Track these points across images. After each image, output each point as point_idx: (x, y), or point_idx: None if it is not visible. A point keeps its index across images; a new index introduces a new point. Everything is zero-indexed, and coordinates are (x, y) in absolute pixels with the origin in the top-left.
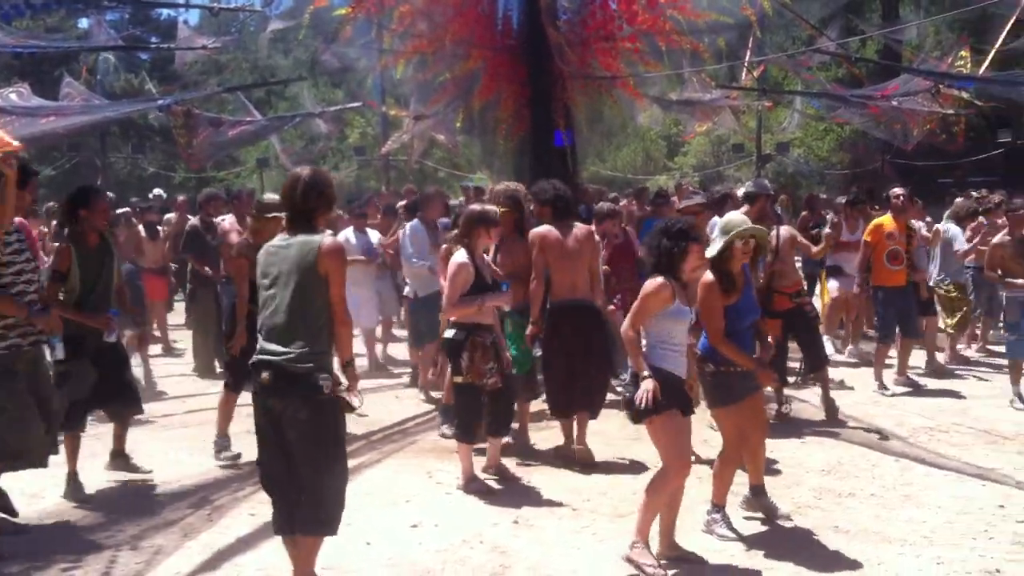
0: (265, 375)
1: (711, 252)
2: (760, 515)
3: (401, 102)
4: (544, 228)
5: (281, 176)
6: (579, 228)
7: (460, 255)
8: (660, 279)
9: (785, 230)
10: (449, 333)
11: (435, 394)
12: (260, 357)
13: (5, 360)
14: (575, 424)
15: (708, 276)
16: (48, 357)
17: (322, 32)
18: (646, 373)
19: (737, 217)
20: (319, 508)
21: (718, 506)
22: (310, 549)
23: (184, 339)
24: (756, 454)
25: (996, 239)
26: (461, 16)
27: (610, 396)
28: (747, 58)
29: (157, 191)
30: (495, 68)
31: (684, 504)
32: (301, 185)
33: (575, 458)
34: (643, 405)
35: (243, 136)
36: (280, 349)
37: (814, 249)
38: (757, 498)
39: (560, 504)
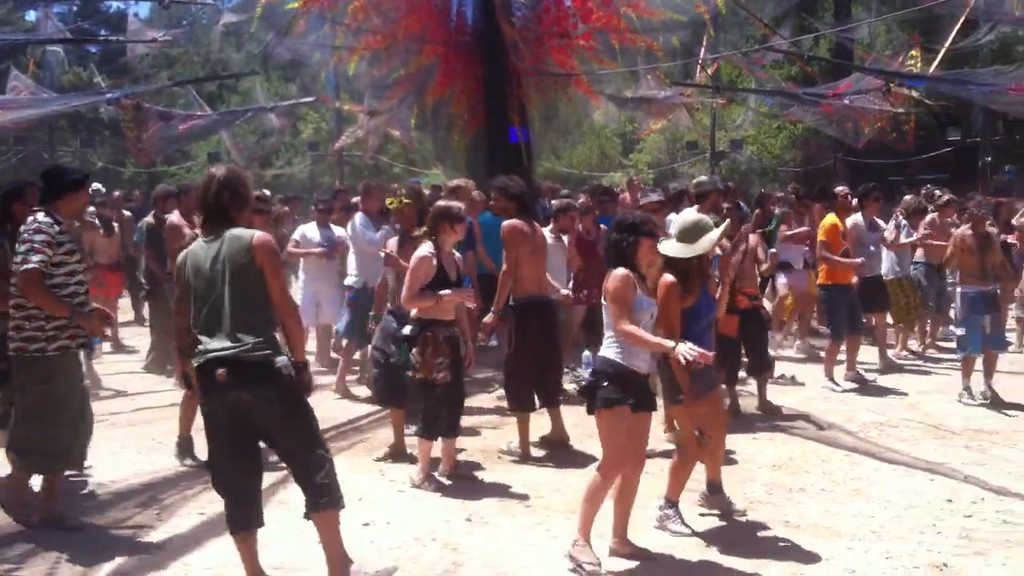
0: (220, 372)
1: (681, 253)
2: (716, 511)
3: (355, 97)
4: (516, 221)
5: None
6: (537, 225)
7: (425, 248)
8: (621, 270)
9: (754, 237)
10: (406, 329)
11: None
12: (209, 356)
13: (56, 361)
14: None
15: (668, 277)
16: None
17: (274, 26)
18: (672, 344)
19: (704, 218)
20: (322, 477)
21: (671, 502)
22: (334, 527)
23: (133, 336)
24: (715, 451)
25: (958, 231)
26: (414, 11)
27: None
28: (701, 56)
29: (96, 186)
30: (449, 64)
31: (636, 500)
32: (215, 184)
33: (561, 442)
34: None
35: (194, 130)
36: (229, 344)
37: (763, 267)
38: (714, 495)
39: (514, 501)
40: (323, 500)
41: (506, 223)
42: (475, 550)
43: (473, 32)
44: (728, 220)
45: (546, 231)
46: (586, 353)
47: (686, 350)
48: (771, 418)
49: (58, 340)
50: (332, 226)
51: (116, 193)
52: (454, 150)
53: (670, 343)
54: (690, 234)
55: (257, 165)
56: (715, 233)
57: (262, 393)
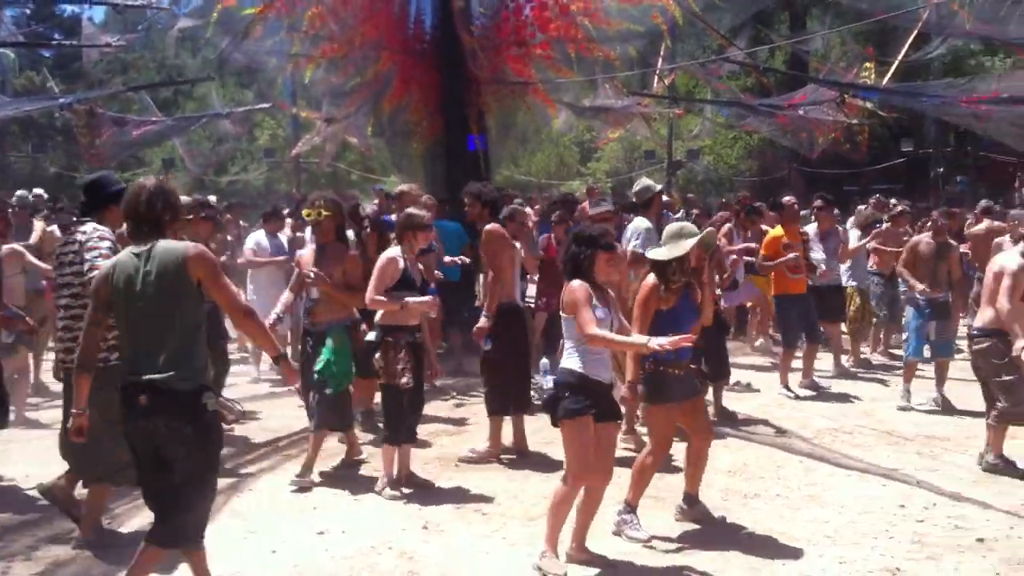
0: (143, 398)
1: (664, 255)
2: (694, 522)
3: (312, 104)
4: (497, 227)
5: (187, 178)
6: None
7: (395, 250)
8: (577, 282)
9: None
10: (369, 335)
11: None
12: (134, 379)
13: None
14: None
15: (651, 278)
16: None
17: (230, 31)
18: (645, 340)
19: (688, 224)
20: (191, 520)
21: (631, 506)
22: (157, 558)
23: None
24: (698, 459)
25: (917, 238)
26: (372, 19)
27: None
28: (659, 66)
29: (37, 191)
30: (406, 72)
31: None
32: (146, 193)
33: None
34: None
35: (148, 136)
36: (159, 368)
37: (724, 276)
38: (692, 507)
39: (470, 508)
40: (180, 538)
41: (490, 228)
42: (431, 558)
43: (431, 40)
44: (711, 227)
45: None
46: (544, 360)
47: (660, 341)
48: (727, 424)
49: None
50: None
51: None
52: (411, 157)
53: (644, 338)
54: (672, 239)
55: (212, 172)
56: (693, 239)
57: (178, 425)
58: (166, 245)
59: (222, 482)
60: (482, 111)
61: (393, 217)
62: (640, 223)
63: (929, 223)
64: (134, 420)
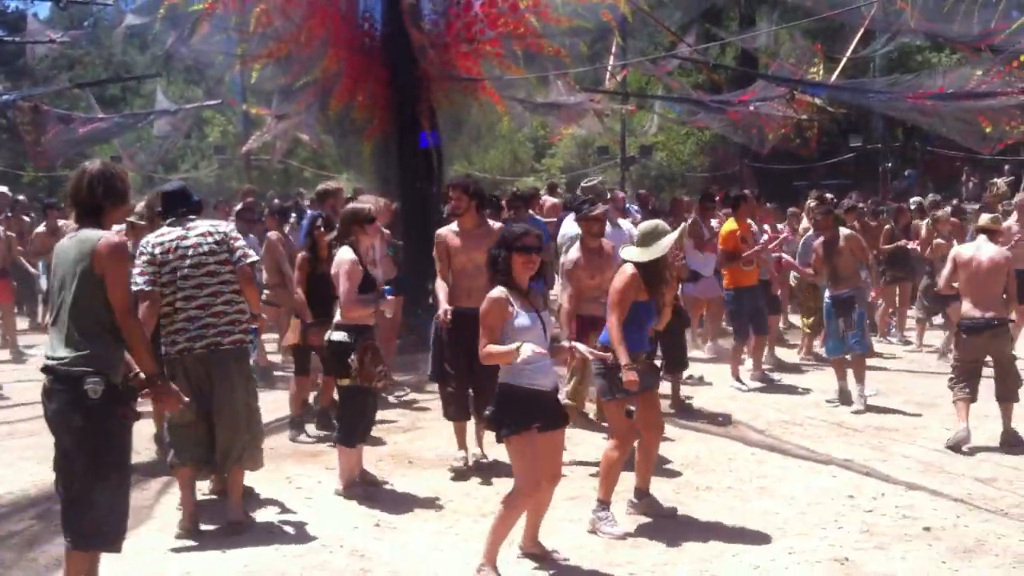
0: (46, 380)
1: (640, 257)
2: (645, 515)
3: (262, 100)
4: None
5: (134, 176)
6: None
7: (347, 252)
8: (496, 291)
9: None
10: (336, 336)
11: None
12: (44, 361)
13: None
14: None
15: (628, 268)
16: None
17: (177, 27)
18: (515, 347)
19: (661, 223)
20: (94, 520)
21: (604, 503)
22: (81, 564)
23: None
24: (649, 453)
25: (815, 242)
26: (317, 15)
27: None
28: (610, 63)
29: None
30: (354, 68)
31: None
32: (87, 177)
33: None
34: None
35: (95, 134)
36: (59, 353)
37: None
38: (642, 500)
39: (423, 506)
40: (84, 541)
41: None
42: (383, 556)
43: (380, 36)
44: (683, 226)
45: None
46: None
47: (526, 353)
48: (680, 417)
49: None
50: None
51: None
52: (361, 155)
53: (513, 345)
54: (647, 239)
55: (162, 169)
56: (670, 237)
57: (65, 411)
58: (86, 233)
59: (169, 480)
60: (433, 108)
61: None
62: (572, 228)
63: (813, 220)
64: (44, 404)
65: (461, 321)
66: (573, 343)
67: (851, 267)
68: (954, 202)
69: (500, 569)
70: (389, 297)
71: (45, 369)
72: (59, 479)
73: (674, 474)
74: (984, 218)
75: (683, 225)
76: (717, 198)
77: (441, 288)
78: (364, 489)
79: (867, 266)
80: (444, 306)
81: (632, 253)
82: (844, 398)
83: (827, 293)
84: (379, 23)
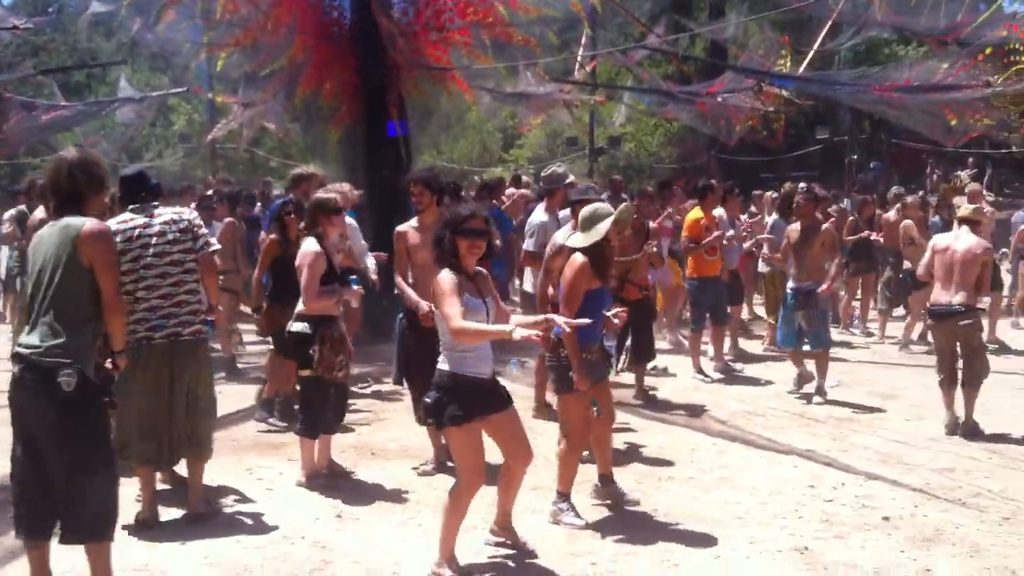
0: (15, 369)
1: (583, 242)
2: (608, 502)
3: (229, 88)
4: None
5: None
6: None
7: (312, 244)
8: (444, 273)
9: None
10: (296, 326)
11: None
12: (15, 350)
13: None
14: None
15: (579, 257)
16: None
17: (143, 14)
18: (510, 328)
19: (601, 207)
20: (84, 513)
21: (564, 495)
22: (94, 556)
23: None
24: (603, 443)
25: (789, 227)
26: (284, 2)
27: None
28: (580, 53)
29: None
30: (321, 56)
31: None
32: (66, 165)
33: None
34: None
35: (58, 121)
36: (33, 342)
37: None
38: (606, 486)
39: (385, 497)
40: (82, 534)
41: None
42: (344, 547)
43: (348, 24)
44: (624, 205)
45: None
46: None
47: (522, 331)
48: (645, 408)
49: None
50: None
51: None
52: (329, 143)
53: (508, 327)
54: (587, 224)
55: (127, 157)
56: (608, 221)
57: (38, 402)
58: (69, 220)
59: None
60: (402, 97)
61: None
62: (537, 216)
63: (796, 208)
64: (11, 392)
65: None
66: (549, 316)
67: (820, 261)
68: (919, 194)
69: (462, 558)
70: (354, 288)
71: (15, 357)
72: (30, 472)
73: (637, 465)
74: (965, 208)
75: (624, 206)
76: (674, 186)
77: (405, 285)
78: (327, 480)
79: (833, 262)
80: (422, 304)
81: (576, 240)
82: (803, 380)
83: (790, 283)
84: (347, 11)
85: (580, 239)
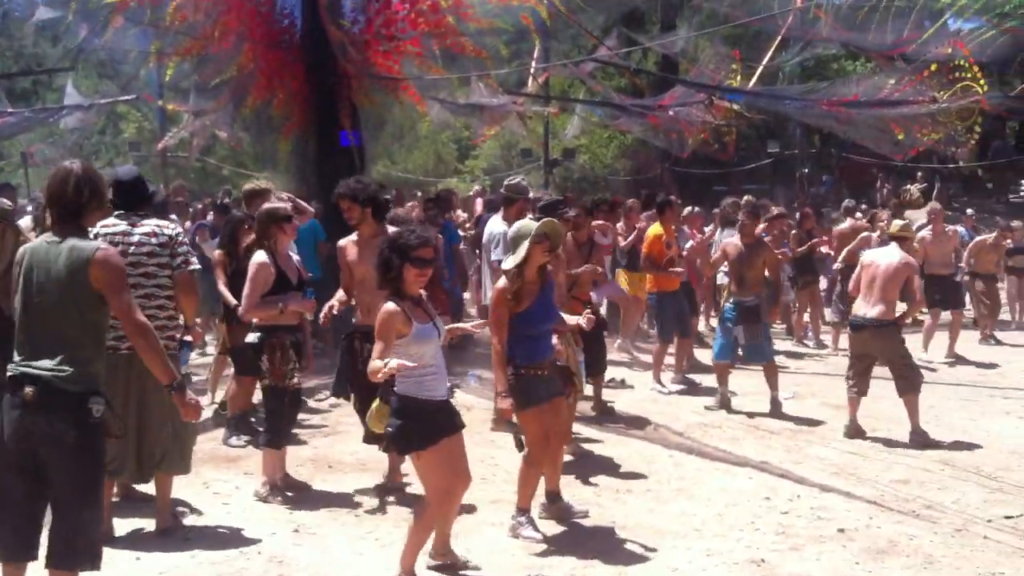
0: (29, 391)
1: (508, 264)
2: (556, 519)
3: (180, 96)
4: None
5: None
6: None
7: (260, 255)
8: (389, 306)
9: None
10: (250, 337)
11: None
12: (23, 370)
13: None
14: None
15: (500, 283)
16: None
17: (90, 20)
18: (382, 364)
19: (524, 224)
20: (81, 539)
21: (523, 510)
22: None
23: None
24: (555, 459)
25: (727, 240)
26: (234, 10)
27: None
28: (533, 66)
29: None
30: (270, 65)
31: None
32: (73, 178)
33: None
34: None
35: (5, 127)
36: (49, 364)
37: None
38: (554, 503)
39: (343, 510)
40: (75, 560)
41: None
42: (302, 561)
43: (299, 33)
44: (544, 220)
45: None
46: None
47: (392, 364)
48: (603, 419)
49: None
50: None
51: None
52: (281, 153)
53: (380, 362)
54: (513, 244)
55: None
56: (526, 243)
57: (59, 427)
58: (76, 243)
59: None
60: (354, 106)
61: None
62: (496, 226)
63: (739, 224)
64: (15, 414)
65: (365, 339)
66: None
67: (762, 275)
68: (863, 207)
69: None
70: (307, 299)
71: (24, 378)
72: (23, 496)
73: (594, 477)
74: (895, 224)
75: (545, 219)
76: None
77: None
78: (284, 492)
79: (771, 282)
80: (335, 299)
81: (507, 261)
82: (724, 403)
83: (731, 298)
84: (299, 19)
85: (509, 260)
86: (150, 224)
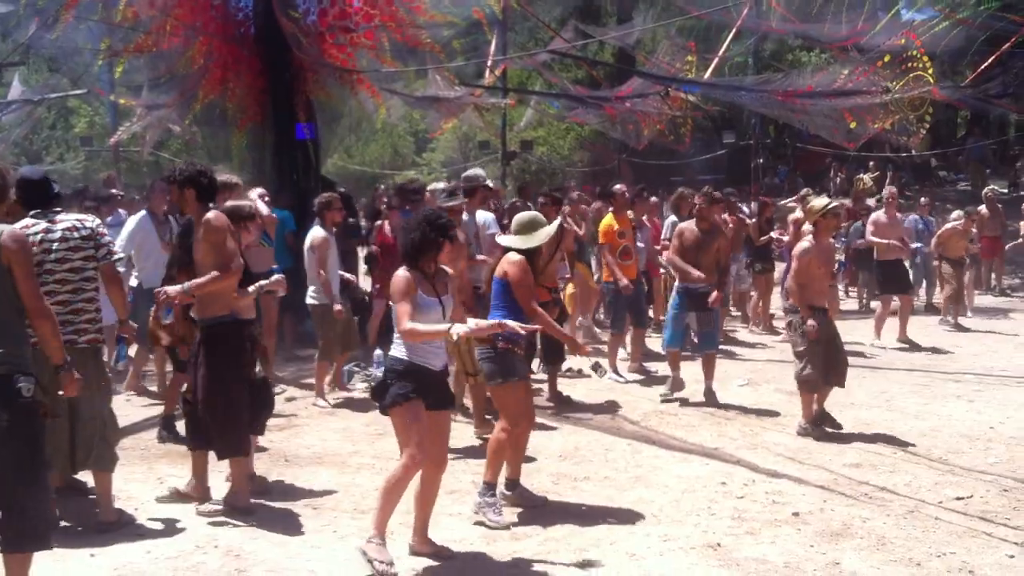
0: None
1: (525, 244)
2: (517, 506)
3: (132, 90)
4: (220, 215)
5: None
6: None
7: None
8: (403, 271)
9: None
10: None
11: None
12: None
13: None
14: None
15: (516, 256)
16: None
17: (41, 14)
18: (447, 327)
19: (538, 215)
20: (26, 521)
21: (491, 485)
22: (20, 566)
23: None
24: (518, 444)
25: (682, 224)
26: (187, 4)
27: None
28: (490, 59)
29: None
30: (224, 57)
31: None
32: None
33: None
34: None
35: None
36: None
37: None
38: (513, 491)
39: (300, 503)
40: (23, 543)
41: (210, 215)
42: (259, 554)
43: (253, 25)
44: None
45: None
46: (377, 352)
47: (460, 329)
48: (560, 409)
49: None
50: None
51: None
52: (235, 146)
53: (445, 325)
54: (526, 229)
55: (26, 160)
56: (551, 228)
57: None
58: None
59: None
60: (310, 99)
61: None
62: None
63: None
64: None
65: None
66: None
67: (714, 263)
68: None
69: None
70: (279, 277)
71: None
72: None
73: (552, 465)
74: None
75: (557, 220)
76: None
77: None
78: (256, 485)
79: (722, 268)
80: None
81: (514, 240)
82: (676, 386)
83: (680, 284)
84: (250, 11)
85: (518, 241)
86: (69, 219)
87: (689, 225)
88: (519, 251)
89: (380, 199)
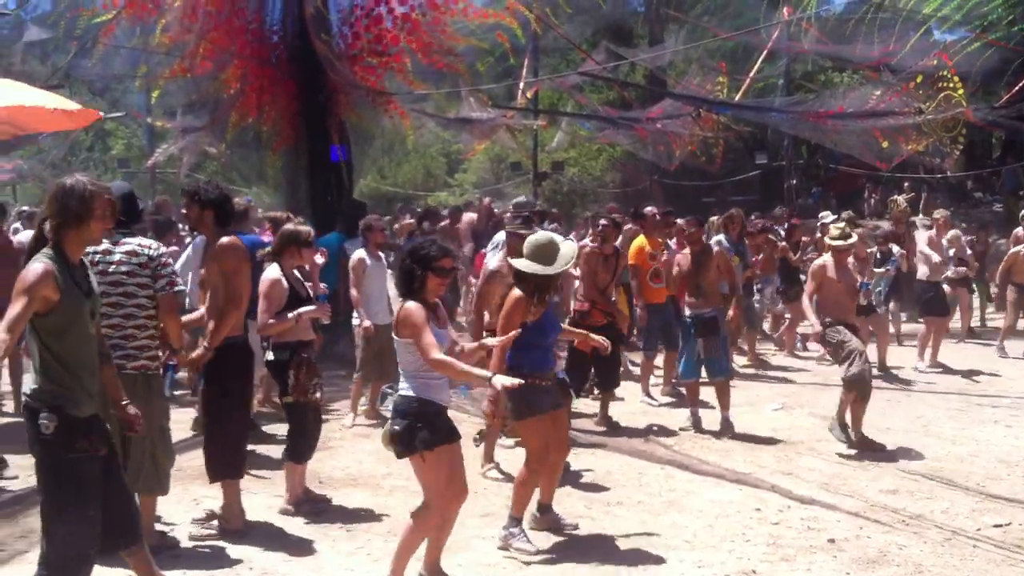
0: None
1: (544, 271)
2: (546, 530)
3: (168, 113)
4: (236, 240)
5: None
6: None
7: (273, 271)
8: (413, 303)
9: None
10: (270, 355)
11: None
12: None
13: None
14: None
15: (517, 292)
16: None
17: (80, 40)
18: (489, 375)
19: (557, 237)
20: (50, 547)
21: (516, 519)
22: None
23: None
24: (554, 471)
25: (678, 255)
26: (223, 27)
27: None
28: (522, 79)
29: None
30: (258, 80)
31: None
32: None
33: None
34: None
35: None
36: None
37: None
38: (544, 515)
39: (334, 526)
40: (44, 569)
41: (228, 242)
42: None
43: (287, 48)
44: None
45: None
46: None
47: (505, 382)
48: (592, 433)
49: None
50: None
51: None
52: (271, 169)
53: (487, 373)
54: (544, 252)
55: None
56: (570, 255)
57: (29, 441)
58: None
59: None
60: (342, 121)
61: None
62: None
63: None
64: None
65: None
66: (483, 342)
67: (716, 285)
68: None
69: None
70: (324, 304)
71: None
72: None
73: (585, 490)
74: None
75: (573, 244)
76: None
77: None
78: (312, 506)
79: (728, 285)
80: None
81: (529, 265)
82: (697, 423)
83: (687, 311)
84: (286, 34)
85: (535, 266)
86: (132, 243)
87: (684, 251)
88: (528, 277)
89: (401, 219)
